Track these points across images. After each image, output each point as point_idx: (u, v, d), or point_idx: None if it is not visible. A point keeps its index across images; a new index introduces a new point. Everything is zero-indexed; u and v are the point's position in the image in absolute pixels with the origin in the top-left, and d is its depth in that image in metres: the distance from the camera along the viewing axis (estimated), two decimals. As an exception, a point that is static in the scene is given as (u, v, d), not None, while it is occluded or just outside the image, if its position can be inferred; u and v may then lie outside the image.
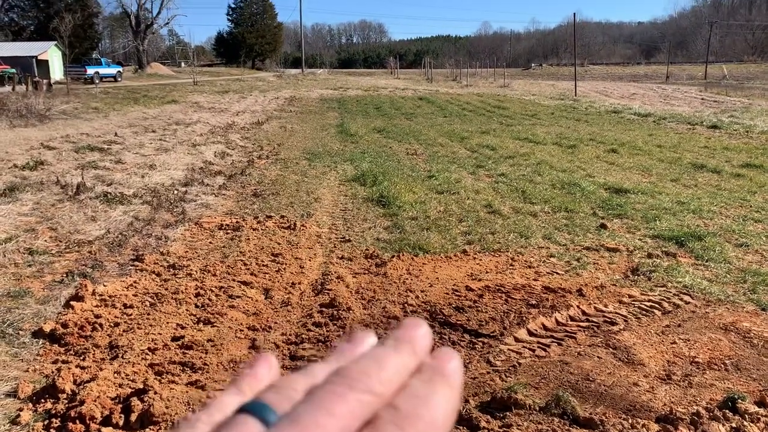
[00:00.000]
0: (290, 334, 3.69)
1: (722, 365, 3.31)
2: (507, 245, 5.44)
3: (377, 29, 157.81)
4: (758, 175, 8.50)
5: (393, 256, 5.08)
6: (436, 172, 8.71)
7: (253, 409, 0.28)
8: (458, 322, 3.82)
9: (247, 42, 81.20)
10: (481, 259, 5.07)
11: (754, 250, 5.30)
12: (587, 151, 10.87)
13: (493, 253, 5.23)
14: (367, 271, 4.77)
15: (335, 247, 5.44)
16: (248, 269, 4.79)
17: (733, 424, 2.64)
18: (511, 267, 4.90)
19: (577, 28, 32.87)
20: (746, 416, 2.68)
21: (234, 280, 4.56)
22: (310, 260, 5.03)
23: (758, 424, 2.63)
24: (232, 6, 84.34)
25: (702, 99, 26.59)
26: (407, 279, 4.57)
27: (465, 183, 8.04)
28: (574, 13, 31.48)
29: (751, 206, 6.79)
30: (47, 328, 3.78)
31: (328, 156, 10.47)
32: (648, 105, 23.00)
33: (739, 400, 2.77)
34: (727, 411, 2.72)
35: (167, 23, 66.45)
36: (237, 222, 6.17)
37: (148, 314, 3.96)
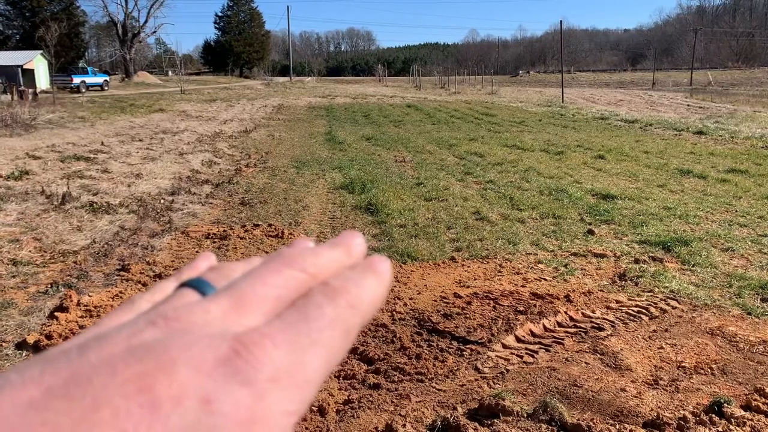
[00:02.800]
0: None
1: (709, 369, 3.32)
2: (495, 252, 5.45)
3: (365, 37, 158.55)
4: (743, 180, 8.58)
5: (381, 264, 5.06)
6: (424, 180, 8.72)
7: (192, 283, 0.29)
8: (446, 330, 3.81)
9: (235, 50, 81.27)
10: (469, 266, 5.07)
11: (740, 255, 5.34)
12: (574, 157, 10.93)
13: (481, 260, 5.24)
14: (355, 279, 4.75)
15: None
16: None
17: (720, 429, 2.65)
18: (499, 273, 4.91)
19: (563, 35, 33.10)
20: (732, 420, 2.69)
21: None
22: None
23: (744, 428, 2.64)
24: (220, 14, 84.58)
25: (688, 105, 26.85)
26: (395, 286, 4.56)
27: (453, 190, 8.05)
28: (561, 21, 31.73)
29: (736, 211, 6.85)
30: (31, 339, 3.73)
31: (317, 164, 10.46)
32: (634, 111, 23.19)
33: (726, 405, 2.78)
34: (713, 415, 2.73)
35: (154, 32, 66.54)
36: (224, 231, 6.14)
37: (134, 324, 3.93)
